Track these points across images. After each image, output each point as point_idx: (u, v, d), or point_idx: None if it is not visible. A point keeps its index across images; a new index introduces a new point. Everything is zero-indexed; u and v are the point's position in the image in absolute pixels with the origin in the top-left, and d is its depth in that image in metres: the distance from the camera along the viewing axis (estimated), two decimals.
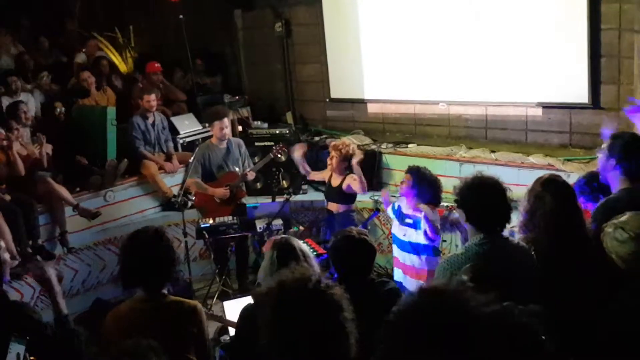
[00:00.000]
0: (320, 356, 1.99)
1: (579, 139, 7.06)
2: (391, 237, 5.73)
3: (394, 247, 5.47)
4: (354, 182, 5.95)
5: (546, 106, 7.21)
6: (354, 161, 5.93)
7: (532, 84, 7.16)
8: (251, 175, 6.96)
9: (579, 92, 6.86)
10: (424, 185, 5.08)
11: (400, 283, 5.15)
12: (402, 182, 5.27)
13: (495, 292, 1.81)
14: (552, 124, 7.25)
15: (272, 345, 2.02)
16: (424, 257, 5.12)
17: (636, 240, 2.76)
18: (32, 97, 7.60)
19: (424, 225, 4.96)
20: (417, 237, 5.12)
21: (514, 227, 3.52)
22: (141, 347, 2.25)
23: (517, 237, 3.32)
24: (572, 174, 6.13)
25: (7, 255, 3.30)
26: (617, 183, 3.57)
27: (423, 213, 4.95)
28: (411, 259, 5.20)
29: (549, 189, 3.25)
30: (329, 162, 6.19)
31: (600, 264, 2.91)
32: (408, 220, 5.22)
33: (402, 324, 1.73)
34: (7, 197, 6.30)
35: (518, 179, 6.31)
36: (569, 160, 6.72)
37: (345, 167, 6.09)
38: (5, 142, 6.48)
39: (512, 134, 7.56)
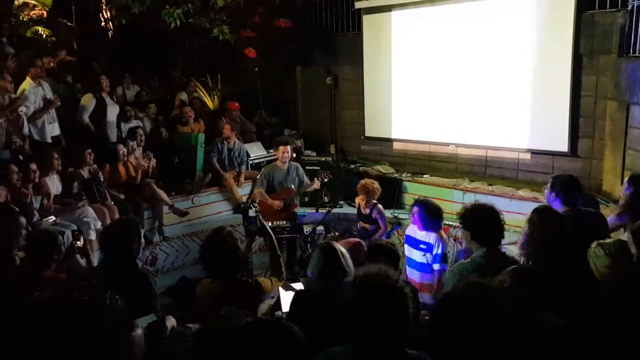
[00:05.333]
0: (388, 334, 1.93)
1: None
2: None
3: (408, 268, 4.83)
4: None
5: (534, 152, 7.13)
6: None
7: (524, 134, 7.10)
8: (317, 185, 6.86)
9: (561, 143, 6.77)
10: (429, 214, 4.59)
11: None
12: (412, 213, 4.76)
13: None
14: (538, 166, 7.15)
15: (353, 321, 1.97)
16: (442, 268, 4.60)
17: (610, 256, 2.72)
18: (142, 123, 7.73)
19: (437, 249, 4.54)
20: (432, 258, 4.63)
21: (511, 245, 3.48)
22: (233, 312, 2.23)
23: (517, 253, 3.27)
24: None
25: (143, 240, 3.38)
26: (558, 208, 3.76)
27: (437, 239, 4.53)
28: (427, 277, 4.66)
29: (544, 217, 3.22)
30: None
31: (585, 274, 2.85)
32: (422, 246, 4.66)
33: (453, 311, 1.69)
34: (122, 196, 6.44)
35: (510, 207, 6.22)
36: None
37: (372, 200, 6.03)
38: (126, 157, 6.64)
39: (506, 172, 7.47)
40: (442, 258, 4.51)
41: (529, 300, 1.87)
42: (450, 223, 6.25)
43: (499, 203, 6.46)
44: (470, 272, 2.94)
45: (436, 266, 4.53)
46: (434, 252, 4.53)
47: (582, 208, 3.86)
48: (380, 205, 6.06)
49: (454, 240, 6.43)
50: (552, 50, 6.69)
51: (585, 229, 3.49)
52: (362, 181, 6.19)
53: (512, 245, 4.35)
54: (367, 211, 6.10)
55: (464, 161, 7.90)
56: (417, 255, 4.66)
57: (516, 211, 6.13)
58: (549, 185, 3.96)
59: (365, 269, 2.09)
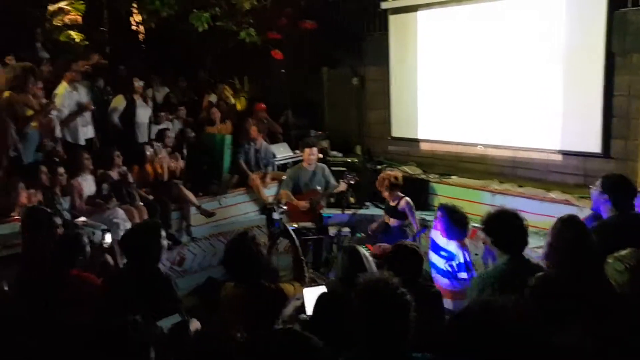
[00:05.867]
0: (389, 339, 1.97)
1: (590, 181, 6.65)
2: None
3: (433, 272, 4.65)
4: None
5: (565, 153, 6.96)
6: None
7: (555, 135, 6.94)
8: (343, 186, 6.83)
9: (593, 144, 6.60)
10: (453, 222, 4.39)
11: None
12: (436, 218, 4.59)
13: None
14: (569, 167, 6.97)
15: (356, 327, 2.01)
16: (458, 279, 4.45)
17: (630, 271, 2.64)
18: (172, 125, 7.85)
19: (459, 259, 4.34)
20: (456, 267, 4.46)
21: (540, 249, 3.40)
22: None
23: (542, 259, 3.20)
24: (584, 208, 5.86)
25: (165, 243, 3.40)
26: (606, 212, 3.61)
27: (459, 248, 4.34)
28: (444, 282, 4.50)
29: (568, 227, 3.14)
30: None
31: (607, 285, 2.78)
32: (443, 253, 4.52)
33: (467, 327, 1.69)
34: (151, 197, 6.53)
35: (541, 209, 6.11)
36: (582, 197, 6.43)
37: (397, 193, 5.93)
38: (154, 158, 6.75)
39: (536, 174, 7.29)
40: (466, 267, 4.33)
41: (543, 320, 1.84)
42: (479, 226, 6.15)
43: (529, 205, 6.50)
44: (493, 280, 2.91)
45: (462, 275, 4.34)
46: (457, 262, 4.35)
47: (633, 212, 3.63)
48: (408, 199, 5.85)
49: (483, 243, 6.34)
50: (583, 49, 6.53)
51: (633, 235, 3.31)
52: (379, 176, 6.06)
53: (541, 249, 4.26)
54: (393, 202, 5.99)
55: (493, 162, 7.76)
56: (439, 262, 4.52)
57: (547, 214, 6.02)
58: (598, 185, 3.70)
59: (366, 276, 2.12)
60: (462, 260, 4.33)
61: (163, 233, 3.35)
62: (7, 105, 5.64)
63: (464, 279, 4.30)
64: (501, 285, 2.88)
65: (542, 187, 6.93)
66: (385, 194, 5.94)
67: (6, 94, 5.72)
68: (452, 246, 4.40)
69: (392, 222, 6.04)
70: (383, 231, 6.18)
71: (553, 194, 6.66)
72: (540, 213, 6.01)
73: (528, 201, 6.48)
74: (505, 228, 3.07)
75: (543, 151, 7.15)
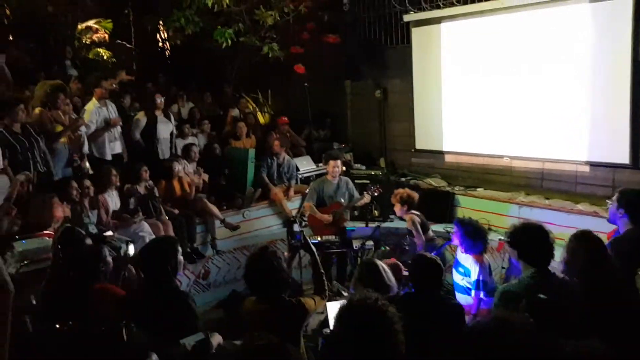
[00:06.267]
0: (376, 354, 2.00)
1: None
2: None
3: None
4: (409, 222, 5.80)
5: (593, 164, 6.81)
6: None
7: (582, 145, 6.80)
8: (366, 199, 6.88)
9: (622, 154, 6.46)
10: (467, 234, 4.33)
11: None
12: (453, 232, 4.53)
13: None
14: (597, 179, 6.82)
15: (339, 345, 2.07)
16: (475, 296, 4.30)
17: None
18: (197, 139, 7.94)
19: (474, 275, 4.28)
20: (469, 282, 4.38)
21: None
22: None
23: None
24: None
25: (182, 258, 3.38)
26: (623, 226, 3.61)
27: (475, 264, 4.26)
28: (465, 299, 4.37)
29: (583, 244, 3.10)
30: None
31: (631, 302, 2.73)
32: (460, 269, 4.45)
33: (478, 342, 1.68)
34: (176, 211, 6.61)
35: (568, 222, 6.00)
36: None
37: (406, 210, 5.97)
38: (181, 173, 6.84)
39: (563, 185, 7.15)
40: (478, 285, 4.24)
41: (556, 337, 1.81)
42: (505, 238, 6.08)
43: (556, 217, 6.39)
44: (516, 294, 2.87)
45: (473, 293, 4.24)
46: (471, 279, 4.28)
47: None
48: (412, 215, 5.87)
49: (509, 256, 6.26)
50: (609, 58, 6.43)
51: None
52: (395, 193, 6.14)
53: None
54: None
55: (520, 174, 7.65)
56: (457, 278, 4.48)
57: (575, 226, 5.85)
58: (614, 200, 3.71)
59: (352, 295, 2.16)
60: (475, 278, 4.26)
61: (179, 249, 3.34)
62: (38, 121, 5.81)
63: (475, 299, 4.21)
64: (526, 298, 2.84)
65: (570, 199, 6.81)
66: (396, 207, 6.00)
67: (37, 110, 5.90)
68: (468, 261, 4.34)
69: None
70: (414, 249, 6.07)
71: (581, 206, 6.54)
72: (568, 225, 5.89)
73: (555, 213, 6.37)
74: (531, 241, 3.04)
75: (571, 162, 7.01)
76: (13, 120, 5.40)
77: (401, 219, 6.14)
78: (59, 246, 3.84)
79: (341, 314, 2.11)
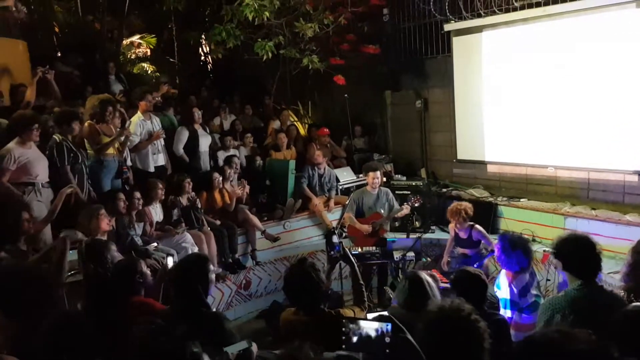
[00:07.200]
0: None
1: None
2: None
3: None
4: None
5: None
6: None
7: (630, 154, 6.62)
8: (406, 210, 6.93)
9: None
10: (504, 252, 4.20)
11: None
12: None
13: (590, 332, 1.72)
14: None
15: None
16: (517, 313, 4.21)
17: None
18: (239, 151, 8.10)
19: (505, 293, 4.20)
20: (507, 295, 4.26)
21: (616, 274, 3.27)
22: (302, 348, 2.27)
23: (619, 285, 3.09)
24: None
25: (213, 276, 3.37)
26: None
27: (508, 280, 4.18)
28: (506, 314, 4.25)
29: None
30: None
31: None
32: (498, 282, 4.36)
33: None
34: (218, 222, 6.76)
35: (616, 233, 5.86)
36: None
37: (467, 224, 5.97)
38: (221, 185, 6.99)
39: (611, 195, 6.98)
40: (505, 303, 4.14)
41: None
42: (550, 250, 5.97)
43: (604, 228, 6.24)
44: (563, 307, 2.82)
45: (502, 312, 4.13)
46: (501, 296, 4.18)
47: None
48: (478, 226, 5.97)
49: (555, 268, 6.13)
50: None
51: None
52: (449, 207, 6.11)
53: (617, 274, 4.08)
54: (465, 235, 6.00)
55: (565, 184, 7.50)
56: (496, 290, 4.40)
57: (623, 237, 5.76)
58: None
59: (439, 303, 2.10)
60: (502, 296, 4.19)
61: (211, 267, 3.32)
62: (88, 134, 6.07)
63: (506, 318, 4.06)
64: (573, 312, 2.80)
65: (618, 210, 6.64)
66: (458, 225, 5.97)
67: (86, 123, 6.16)
68: (502, 277, 4.28)
69: (469, 251, 6.04)
70: (461, 263, 6.03)
71: (629, 217, 6.37)
72: (616, 236, 5.78)
73: (603, 224, 6.23)
74: (577, 252, 2.99)
75: (618, 172, 6.84)
76: (69, 133, 5.65)
77: (466, 240, 6.07)
78: (83, 262, 3.89)
79: (431, 321, 2.06)
